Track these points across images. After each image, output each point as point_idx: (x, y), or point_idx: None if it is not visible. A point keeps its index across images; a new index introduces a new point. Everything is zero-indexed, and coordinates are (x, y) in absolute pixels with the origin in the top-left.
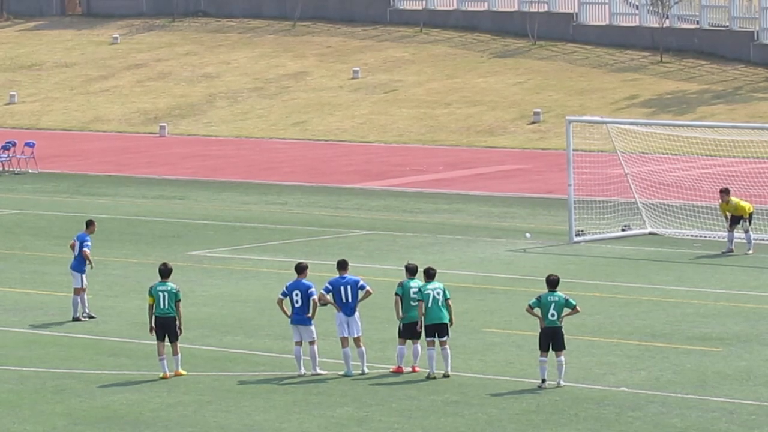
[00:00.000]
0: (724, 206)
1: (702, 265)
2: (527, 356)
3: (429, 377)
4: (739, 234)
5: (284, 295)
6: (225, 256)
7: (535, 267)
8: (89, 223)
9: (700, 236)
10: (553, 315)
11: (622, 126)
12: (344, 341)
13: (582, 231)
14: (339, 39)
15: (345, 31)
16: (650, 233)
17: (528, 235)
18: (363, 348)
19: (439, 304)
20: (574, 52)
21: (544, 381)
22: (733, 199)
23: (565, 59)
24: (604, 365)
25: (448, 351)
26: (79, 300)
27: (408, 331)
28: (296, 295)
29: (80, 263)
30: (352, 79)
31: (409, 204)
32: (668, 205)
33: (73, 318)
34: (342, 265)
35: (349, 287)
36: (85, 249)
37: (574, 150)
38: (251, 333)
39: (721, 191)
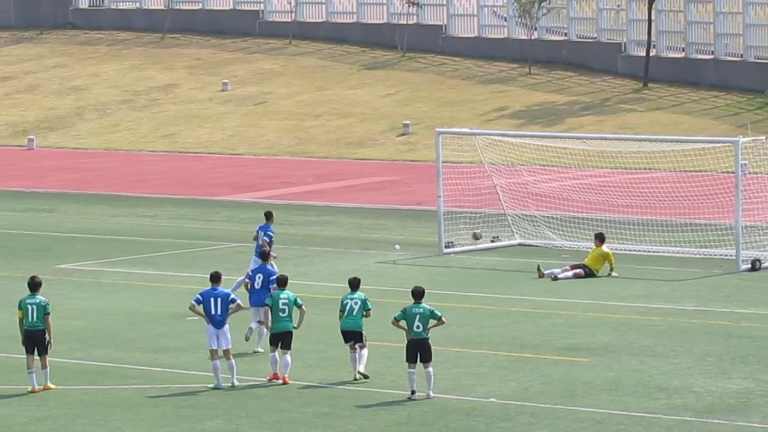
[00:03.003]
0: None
1: (570, 279)
2: (397, 368)
3: (356, 379)
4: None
5: (250, 278)
6: (94, 269)
7: (405, 279)
8: (268, 215)
9: (569, 247)
10: (418, 327)
11: (491, 137)
12: (214, 353)
13: (452, 242)
14: (208, 51)
15: (214, 43)
16: (519, 244)
17: (398, 246)
18: (233, 360)
19: (354, 313)
20: (444, 64)
21: (413, 392)
22: (605, 248)
23: (434, 71)
24: (474, 376)
25: (365, 354)
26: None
27: (277, 340)
28: (258, 278)
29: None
30: (222, 91)
31: (279, 216)
32: (537, 217)
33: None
34: (214, 278)
35: (219, 300)
36: (266, 238)
37: (443, 162)
38: (121, 346)
39: (597, 236)
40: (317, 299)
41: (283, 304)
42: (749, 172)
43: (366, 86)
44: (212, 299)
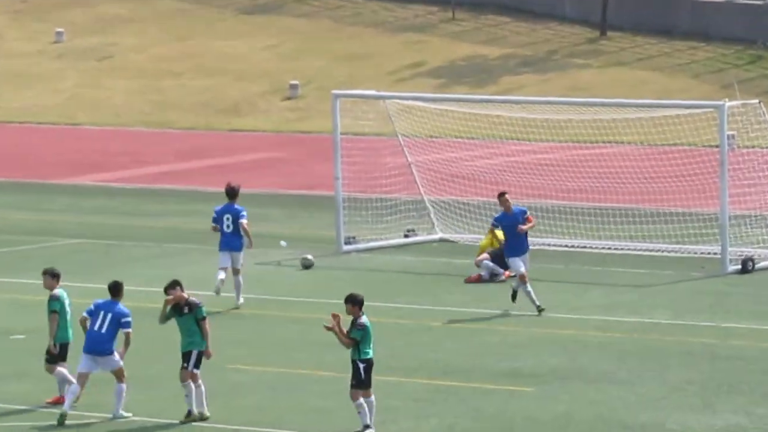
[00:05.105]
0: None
1: (507, 281)
2: (284, 400)
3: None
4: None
5: (216, 220)
6: None
7: (293, 284)
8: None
9: None
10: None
11: (405, 102)
12: (82, 378)
13: (354, 238)
14: None
15: None
16: (441, 240)
17: (283, 243)
18: (123, 385)
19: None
20: (341, 7)
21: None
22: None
23: (329, 16)
24: (383, 411)
25: (202, 389)
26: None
27: (64, 353)
28: (227, 219)
29: None
30: (55, 42)
31: (130, 204)
32: (464, 204)
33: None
34: (115, 290)
35: (110, 314)
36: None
37: (342, 133)
38: None
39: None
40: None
41: (68, 305)
42: (738, 146)
43: (242, 36)
44: (102, 313)
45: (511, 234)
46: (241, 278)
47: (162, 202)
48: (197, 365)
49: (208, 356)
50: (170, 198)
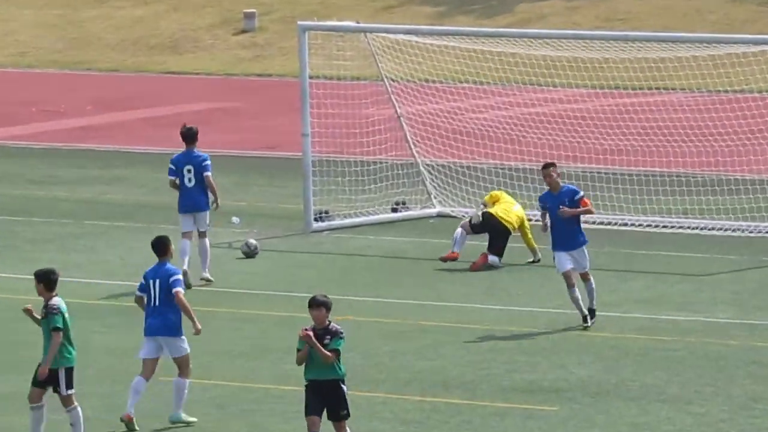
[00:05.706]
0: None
1: (523, 268)
2: (237, 421)
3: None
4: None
5: (174, 173)
6: None
7: (248, 273)
8: None
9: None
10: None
11: (392, 36)
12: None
13: (326, 212)
14: None
15: None
16: (439, 215)
17: (236, 219)
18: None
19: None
20: None
21: None
22: (504, 195)
23: None
24: None
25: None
26: None
27: None
28: (188, 171)
29: None
30: None
31: (39, 169)
32: (469, 169)
33: None
34: (158, 247)
35: (158, 282)
36: None
37: (312, 77)
38: None
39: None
40: (99, 308)
41: None
42: None
43: None
44: (151, 282)
45: (556, 220)
46: (207, 242)
47: (80, 166)
48: (71, 384)
49: (42, 375)
50: (90, 160)
